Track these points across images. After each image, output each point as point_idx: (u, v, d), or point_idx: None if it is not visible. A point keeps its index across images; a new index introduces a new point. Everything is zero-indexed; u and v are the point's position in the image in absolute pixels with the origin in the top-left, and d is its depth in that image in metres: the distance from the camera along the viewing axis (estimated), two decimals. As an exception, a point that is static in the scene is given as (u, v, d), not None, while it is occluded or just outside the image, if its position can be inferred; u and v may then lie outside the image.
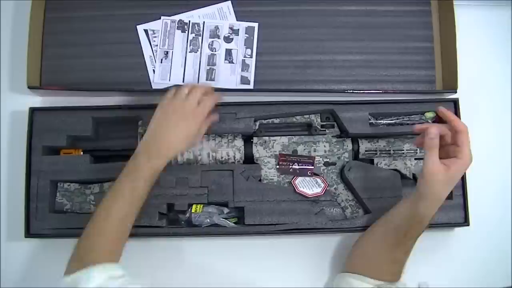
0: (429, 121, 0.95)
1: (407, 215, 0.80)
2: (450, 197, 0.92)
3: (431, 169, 0.76)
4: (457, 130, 0.78)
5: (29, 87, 0.93)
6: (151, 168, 0.81)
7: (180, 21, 1.00)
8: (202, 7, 1.01)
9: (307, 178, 0.93)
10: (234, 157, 0.92)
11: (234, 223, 0.91)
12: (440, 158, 0.77)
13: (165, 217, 0.91)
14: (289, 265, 0.94)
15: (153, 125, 0.83)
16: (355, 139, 0.95)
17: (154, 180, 0.83)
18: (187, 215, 0.90)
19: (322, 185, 0.93)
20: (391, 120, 0.96)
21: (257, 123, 0.95)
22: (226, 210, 0.91)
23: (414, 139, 0.94)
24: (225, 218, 0.91)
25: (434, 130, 0.77)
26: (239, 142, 0.92)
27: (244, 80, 1.00)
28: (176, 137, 0.83)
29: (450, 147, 0.79)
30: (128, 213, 0.80)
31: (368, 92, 0.97)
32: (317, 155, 0.94)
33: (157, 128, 0.83)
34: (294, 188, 0.92)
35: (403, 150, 0.94)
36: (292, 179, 0.93)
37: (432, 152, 0.76)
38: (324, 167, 0.94)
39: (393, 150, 0.94)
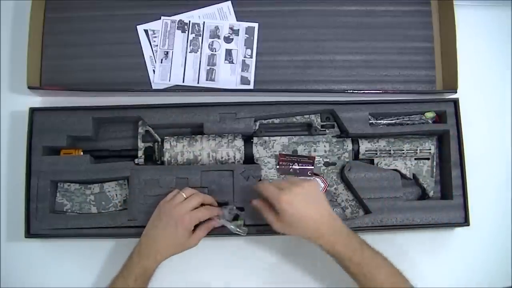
0: (429, 121, 0.95)
1: (343, 263, 0.80)
2: (450, 197, 0.93)
3: (275, 229, 0.81)
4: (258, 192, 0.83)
5: (29, 87, 0.93)
6: (141, 267, 0.81)
7: (180, 21, 1.00)
8: (202, 7, 1.01)
9: (308, 178, 0.93)
10: (234, 157, 0.92)
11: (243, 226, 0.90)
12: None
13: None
14: (289, 265, 0.94)
15: (148, 224, 0.85)
16: (355, 139, 0.95)
17: (148, 279, 0.83)
18: None
19: (322, 185, 0.93)
20: (391, 120, 0.96)
21: (257, 123, 0.95)
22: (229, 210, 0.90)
23: (414, 139, 0.94)
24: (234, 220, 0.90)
25: (253, 202, 0.84)
26: (239, 142, 0.92)
27: (244, 80, 1.00)
28: (164, 241, 0.83)
29: None
30: None
31: (368, 92, 0.97)
32: (317, 155, 0.94)
33: (149, 229, 0.84)
34: None
35: (403, 150, 0.94)
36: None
37: (264, 213, 0.82)
38: (324, 167, 0.94)
39: (393, 150, 0.94)
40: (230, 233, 0.88)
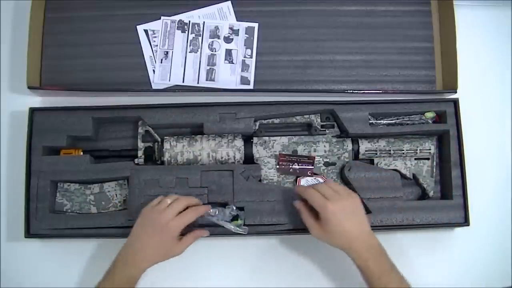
0: (429, 121, 0.95)
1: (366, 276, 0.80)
2: (450, 197, 0.93)
3: (312, 234, 0.82)
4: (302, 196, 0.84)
5: (29, 87, 0.93)
6: (125, 276, 0.80)
7: (180, 21, 1.00)
8: (202, 7, 1.01)
9: (309, 178, 0.93)
10: (234, 157, 0.92)
11: (241, 224, 0.89)
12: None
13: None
14: (289, 265, 0.94)
15: (132, 232, 0.83)
16: (355, 139, 0.95)
17: (133, 285, 0.81)
18: None
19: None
20: (391, 120, 0.96)
21: (257, 123, 0.95)
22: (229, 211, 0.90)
23: (414, 139, 0.94)
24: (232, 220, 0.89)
25: (297, 204, 0.85)
26: (239, 142, 0.92)
27: (244, 80, 1.00)
28: (149, 249, 0.81)
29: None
30: None
31: (368, 92, 0.97)
32: (317, 155, 0.94)
33: (133, 237, 0.82)
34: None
35: (403, 150, 0.94)
36: (295, 181, 0.93)
37: (304, 217, 0.83)
38: (324, 167, 0.94)
39: (393, 150, 0.94)
40: (230, 233, 0.89)
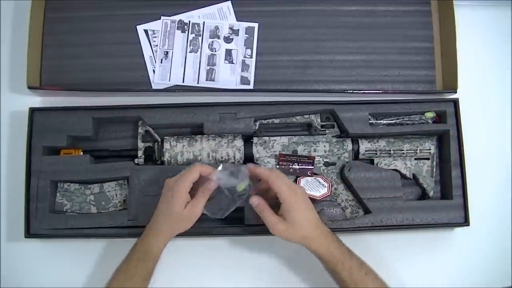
0: (429, 121, 0.95)
1: (329, 265, 0.81)
2: (450, 197, 0.93)
3: (276, 231, 0.79)
4: (265, 179, 0.79)
5: (29, 87, 0.93)
6: (143, 247, 0.81)
7: (180, 21, 1.00)
8: (202, 7, 1.01)
9: (309, 179, 0.93)
10: (234, 157, 0.92)
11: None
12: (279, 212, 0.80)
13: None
14: (289, 265, 0.94)
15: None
16: (355, 139, 0.95)
17: (151, 260, 0.81)
18: None
19: (326, 184, 0.93)
20: (391, 120, 0.96)
21: (257, 123, 0.95)
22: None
23: (414, 139, 0.94)
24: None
25: (254, 201, 0.80)
26: (239, 142, 0.92)
27: (244, 80, 1.00)
28: (164, 217, 0.80)
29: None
30: (119, 283, 0.80)
31: (368, 92, 0.97)
32: (317, 155, 0.94)
33: (156, 209, 0.82)
34: None
35: (403, 150, 0.94)
36: (295, 181, 0.93)
37: (265, 214, 0.79)
38: (324, 167, 0.94)
39: (393, 150, 0.94)
40: (230, 233, 0.88)
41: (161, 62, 0.99)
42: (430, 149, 0.94)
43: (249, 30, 1.00)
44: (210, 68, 1.00)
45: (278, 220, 0.79)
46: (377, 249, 0.93)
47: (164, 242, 0.82)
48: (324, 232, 0.81)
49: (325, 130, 0.95)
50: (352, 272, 0.79)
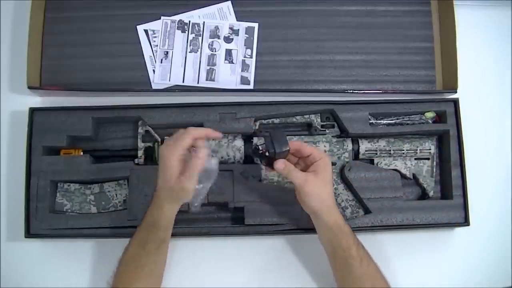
0: (429, 121, 0.95)
1: (326, 236, 0.82)
2: (450, 197, 0.93)
3: (309, 185, 0.79)
4: (296, 148, 0.81)
5: (29, 87, 0.93)
6: (150, 217, 0.80)
7: (180, 21, 1.00)
8: (202, 7, 1.01)
9: None
10: (234, 157, 0.92)
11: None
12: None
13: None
14: (289, 265, 0.94)
15: None
16: (355, 139, 0.95)
17: (161, 232, 0.80)
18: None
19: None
20: (391, 120, 0.96)
21: (257, 123, 0.95)
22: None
23: (414, 139, 0.94)
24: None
25: (279, 165, 0.79)
26: (239, 142, 0.92)
27: (244, 80, 1.00)
28: (159, 185, 0.79)
29: (305, 160, 0.82)
30: (134, 251, 0.81)
31: (368, 92, 0.97)
32: (317, 155, 0.94)
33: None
34: None
35: (403, 150, 0.94)
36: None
37: (294, 173, 0.79)
38: (324, 167, 0.94)
39: (393, 150, 0.94)
40: (230, 233, 0.88)
41: (161, 62, 0.99)
42: (430, 149, 0.94)
43: (249, 30, 1.00)
44: (210, 68, 1.00)
45: (309, 173, 0.80)
46: (377, 249, 0.92)
47: (170, 212, 0.80)
48: (337, 208, 0.83)
49: (325, 130, 0.95)
50: (359, 248, 0.81)
